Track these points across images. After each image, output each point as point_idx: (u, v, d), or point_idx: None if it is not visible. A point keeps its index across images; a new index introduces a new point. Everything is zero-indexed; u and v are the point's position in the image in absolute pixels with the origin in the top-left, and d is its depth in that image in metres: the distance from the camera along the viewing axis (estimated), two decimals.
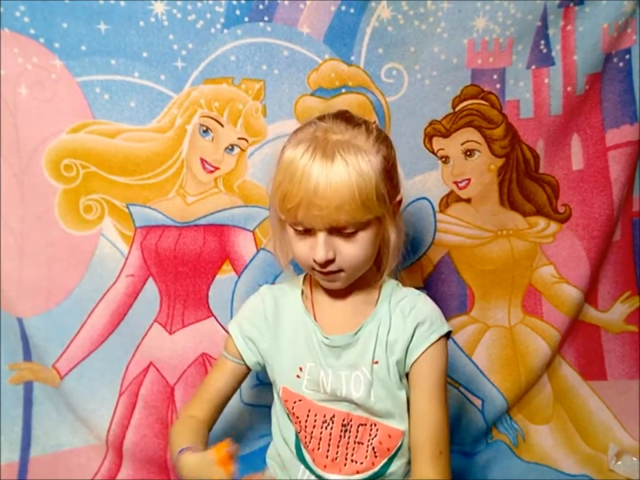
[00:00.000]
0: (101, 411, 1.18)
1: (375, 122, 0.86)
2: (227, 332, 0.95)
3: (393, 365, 0.86)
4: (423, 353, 0.85)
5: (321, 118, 0.83)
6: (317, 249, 0.80)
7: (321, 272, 0.83)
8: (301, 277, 0.95)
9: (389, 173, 0.82)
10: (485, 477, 1.24)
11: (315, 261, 0.81)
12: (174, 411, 1.21)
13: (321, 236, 0.79)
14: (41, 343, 1.16)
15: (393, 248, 0.86)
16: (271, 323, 0.91)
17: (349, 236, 0.80)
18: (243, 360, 0.93)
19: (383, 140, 0.83)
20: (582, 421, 1.30)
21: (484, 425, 1.27)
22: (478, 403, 1.27)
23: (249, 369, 0.94)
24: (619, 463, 1.24)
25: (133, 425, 1.19)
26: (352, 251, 0.81)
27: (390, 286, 0.91)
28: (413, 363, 0.86)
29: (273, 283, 1.17)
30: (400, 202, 0.87)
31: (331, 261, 0.81)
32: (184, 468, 0.79)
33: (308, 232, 0.81)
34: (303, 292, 0.93)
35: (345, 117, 0.83)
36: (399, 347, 0.86)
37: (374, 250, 0.84)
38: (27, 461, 1.19)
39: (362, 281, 0.88)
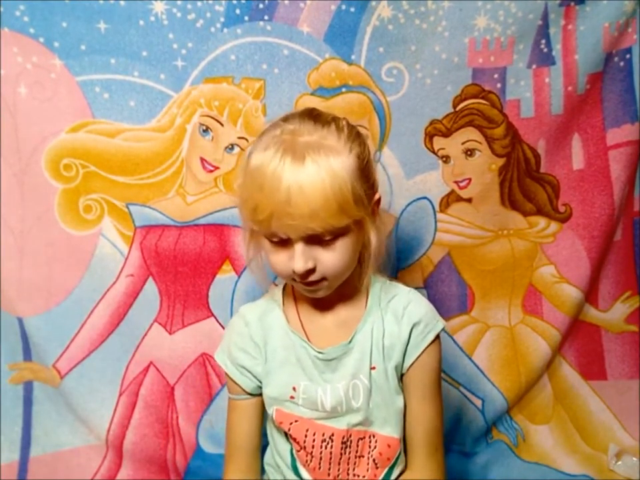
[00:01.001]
0: (101, 411, 1.18)
1: (344, 119, 0.80)
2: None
3: (392, 369, 0.83)
4: (421, 354, 0.83)
5: (286, 119, 0.78)
6: (295, 259, 0.74)
7: (302, 282, 0.78)
8: (279, 289, 0.90)
9: (365, 171, 0.77)
10: (485, 477, 1.23)
11: (294, 272, 0.75)
12: (174, 411, 1.21)
13: (299, 246, 0.74)
14: (41, 343, 1.17)
15: (374, 250, 0.80)
16: (260, 345, 0.86)
17: (328, 243, 0.75)
18: (245, 391, 0.87)
19: (355, 137, 0.78)
20: (582, 421, 1.29)
21: (484, 425, 1.27)
22: (478, 402, 1.26)
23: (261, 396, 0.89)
24: (619, 462, 1.24)
25: (132, 425, 1.19)
26: (332, 258, 0.76)
27: (378, 284, 0.87)
28: (410, 365, 0.84)
29: (273, 282, 1.17)
30: (379, 201, 0.82)
31: (311, 271, 0.76)
32: None
33: (285, 242, 0.76)
34: (284, 305, 0.87)
35: (312, 116, 0.77)
36: (396, 351, 0.83)
37: (355, 255, 0.79)
38: (27, 461, 1.19)
39: (347, 286, 0.83)
